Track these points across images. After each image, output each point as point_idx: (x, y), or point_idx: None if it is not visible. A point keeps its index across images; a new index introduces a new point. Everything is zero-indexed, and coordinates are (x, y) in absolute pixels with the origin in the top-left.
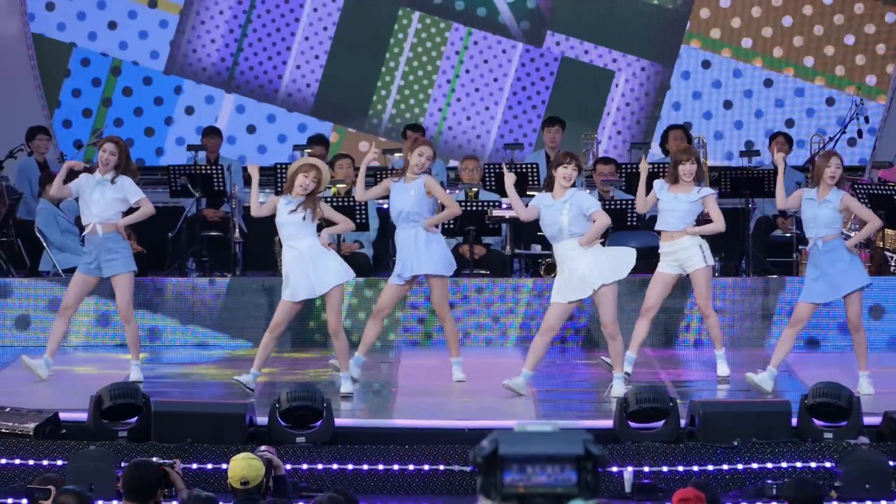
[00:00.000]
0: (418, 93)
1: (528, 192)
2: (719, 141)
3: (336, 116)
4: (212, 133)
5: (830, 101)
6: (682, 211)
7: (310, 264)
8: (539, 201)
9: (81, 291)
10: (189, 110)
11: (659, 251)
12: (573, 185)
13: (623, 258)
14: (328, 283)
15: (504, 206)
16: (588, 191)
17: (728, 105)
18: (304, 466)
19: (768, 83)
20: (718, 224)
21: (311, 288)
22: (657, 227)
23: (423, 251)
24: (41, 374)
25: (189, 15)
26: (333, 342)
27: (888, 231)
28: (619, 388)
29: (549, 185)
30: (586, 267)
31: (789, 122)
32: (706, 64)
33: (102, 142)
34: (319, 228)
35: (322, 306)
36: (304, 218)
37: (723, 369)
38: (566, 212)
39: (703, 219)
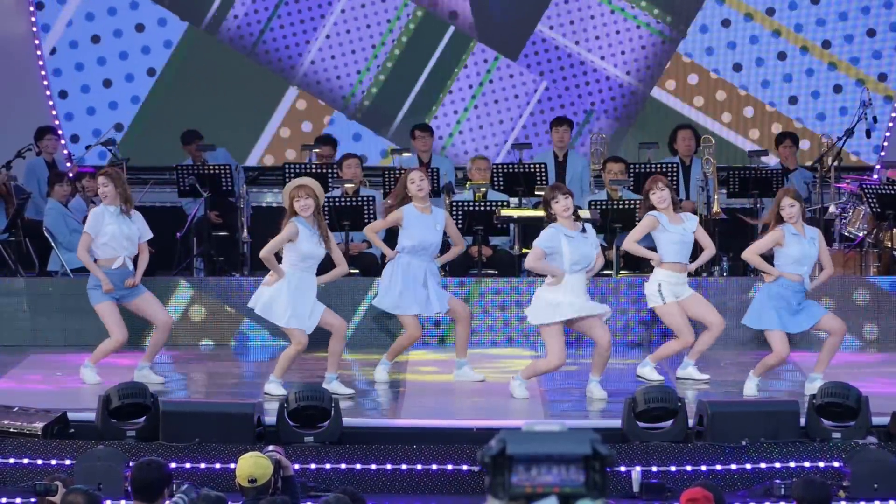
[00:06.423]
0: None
1: (535, 192)
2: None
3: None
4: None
5: (837, 89)
6: (688, 242)
7: (313, 298)
8: (560, 231)
9: (120, 316)
10: None
11: (666, 282)
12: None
13: None
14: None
15: (512, 205)
16: (596, 190)
17: (738, 68)
18: (312, 466)
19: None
20: (712, 250)
21: (314, 320)
22: (673, 260)
23: (435, 288)
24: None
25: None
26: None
27: None
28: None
29: (551, 218)
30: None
31: (792, 100)
32: (726, 23)
33: (98, 175)
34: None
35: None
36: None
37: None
38: (594, 245)
39: None
